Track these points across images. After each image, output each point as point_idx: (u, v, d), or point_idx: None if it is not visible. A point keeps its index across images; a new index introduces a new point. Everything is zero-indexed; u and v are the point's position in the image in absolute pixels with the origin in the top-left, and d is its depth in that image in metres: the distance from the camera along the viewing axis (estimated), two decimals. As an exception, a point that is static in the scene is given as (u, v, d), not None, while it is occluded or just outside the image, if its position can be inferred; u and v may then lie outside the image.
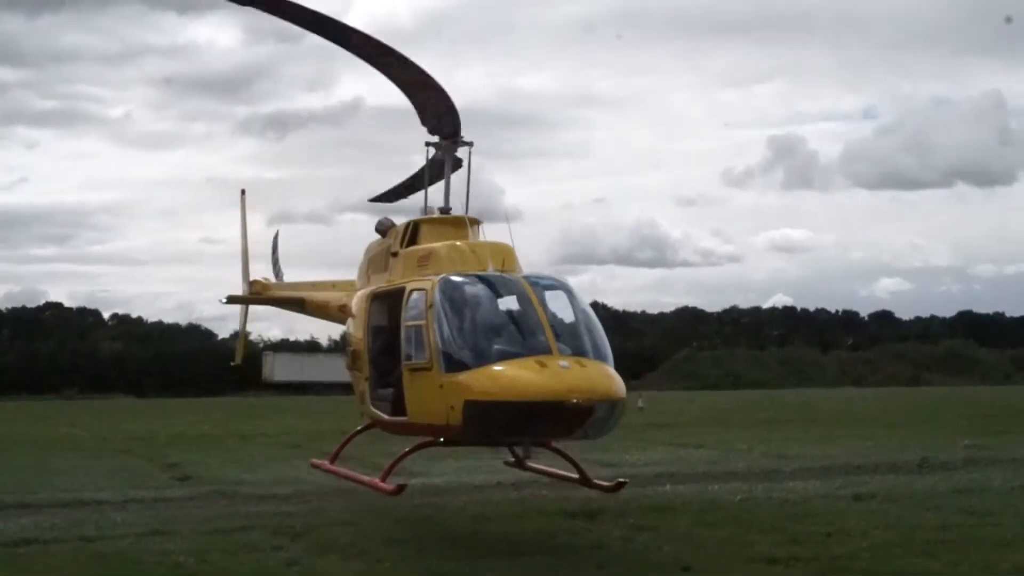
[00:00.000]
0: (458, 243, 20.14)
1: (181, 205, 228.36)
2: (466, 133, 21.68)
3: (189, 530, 20.73)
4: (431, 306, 17.93)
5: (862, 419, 55.86)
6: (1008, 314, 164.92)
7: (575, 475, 22.04)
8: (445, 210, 21.68)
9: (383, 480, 19.95)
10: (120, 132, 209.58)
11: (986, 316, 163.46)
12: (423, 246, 20.56)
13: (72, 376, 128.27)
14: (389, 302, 20.45)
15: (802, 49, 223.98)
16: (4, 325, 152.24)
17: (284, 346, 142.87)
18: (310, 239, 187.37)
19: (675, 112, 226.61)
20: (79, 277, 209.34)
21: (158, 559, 17.76)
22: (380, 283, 21.61)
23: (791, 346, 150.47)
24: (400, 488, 19.42)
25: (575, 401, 16.26)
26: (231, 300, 31.50)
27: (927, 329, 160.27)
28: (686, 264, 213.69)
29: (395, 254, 21.18)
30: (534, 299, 18.01)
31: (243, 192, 33.32)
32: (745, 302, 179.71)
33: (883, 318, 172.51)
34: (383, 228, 22.38)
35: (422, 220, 21.47)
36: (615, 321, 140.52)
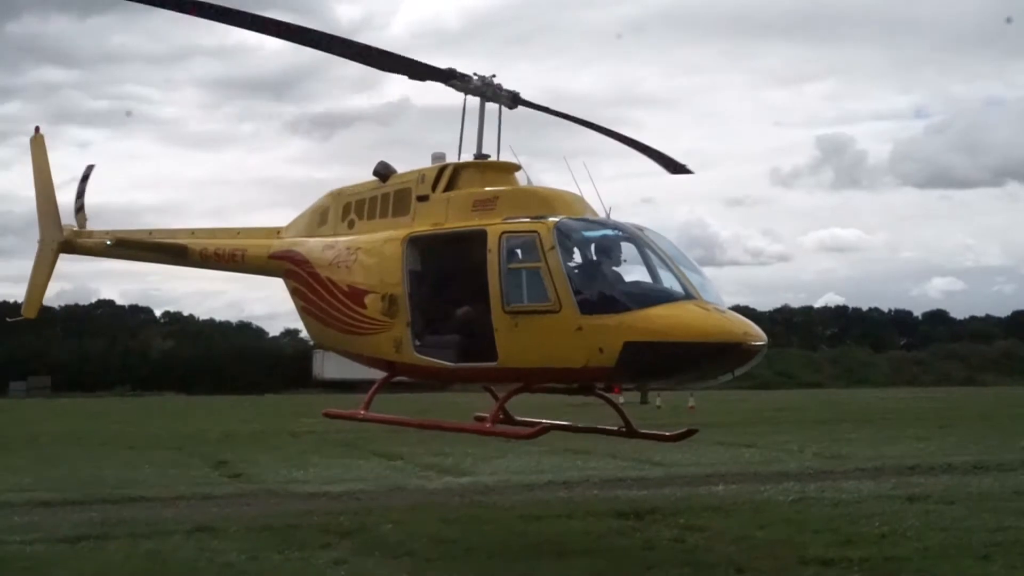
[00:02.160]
0: (533, 188, 19.91)
1: (230, 204, 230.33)
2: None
3: (239, 528, 20.79)
4: (551, 248, 17.50)
5: (916, 419, 55.47)
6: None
7: (615, 427, 21.08)
8: (480, 156, 20.85)
9: (492, 424, 19.06)
10: (170, 132, 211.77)
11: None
12: (483, 189, 19.88)
13: (123, 374, 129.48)
14: (441, 245, 19.95)
15: (854, 49, 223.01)
16: (57, 323, 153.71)
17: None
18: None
19: (723, 112, 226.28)
20: (130, 276, 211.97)
21: (209, 557, 17.81)
22: (381, 229, 20.87)
23: (843, 346, 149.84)
24: (542, 430, 18.63)
25: (753, 343, 16.51)
26: (63, 248, 27.86)
27: (981, 329, 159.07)
28: (736, 263, 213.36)
29: (424, 198, 20.45)
30: (654, 244, 17.97)
31: (37, 129, 28.98)
32: (796, 301, 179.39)
33: (937, 318, 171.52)
34: (385, 172, 21.33)
35: (463, 164, 20.64)
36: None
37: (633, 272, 17.94)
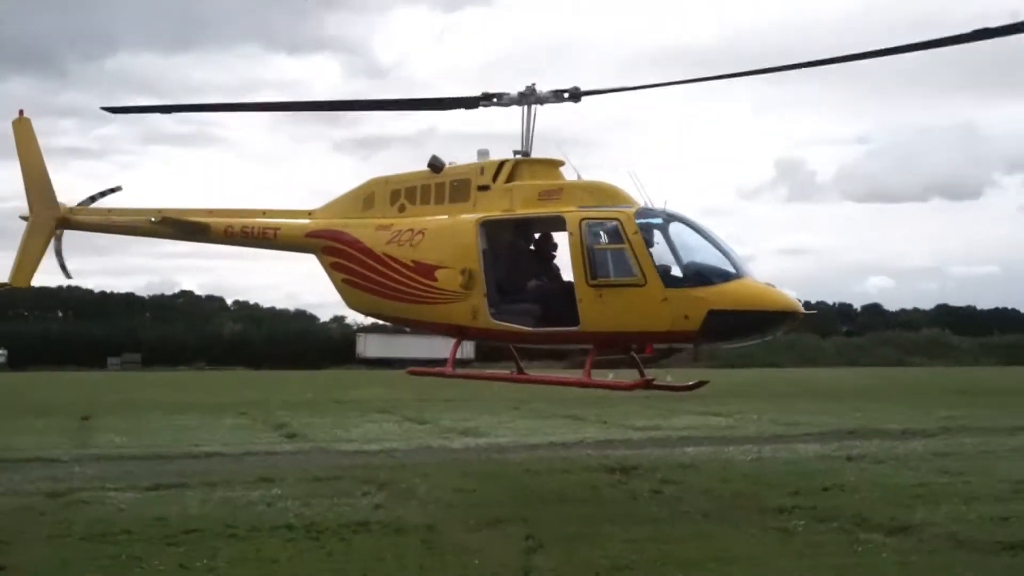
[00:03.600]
0: (591, 182, 19.46)
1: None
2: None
3: (294, 479, 20.84)
4: (635, 233, 17.83)
5: (855, 394, 55.42)
6: (979, 307, 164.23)
7: (630, 381, 20.00)
8: (522, 154, 20.24)
9: (588, 377, 18.89)
10: (241, 150, 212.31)
11: (960, 309, 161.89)
12: (548, 181, 19.65)
13: (200, 352, 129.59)
14: (514, 228, 19.89)
15: (809, 85, 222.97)
16: (145, 309, 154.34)
17: (374, 328, 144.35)
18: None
19: (700, 135, 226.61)
20: (207, 270, 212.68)
21: (269, 502, 17.90)
22: (437, 214, 20.30)
23: (796, 332, 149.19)
24: (639, 385, 19.19)
25: (801, 311, 18.02)
26: (60, 225, 24.76)
27: (910, 319, 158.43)
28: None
29: (485, 188, 19.93)
30: (709, 231, 18.40)
31: (21, 112, 25.21)
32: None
33: (873, 310, 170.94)
34: (438, 164, 20.54)
35: (520, 160, 20.10)
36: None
37: (699, 254, 18.13)
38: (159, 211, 23.94)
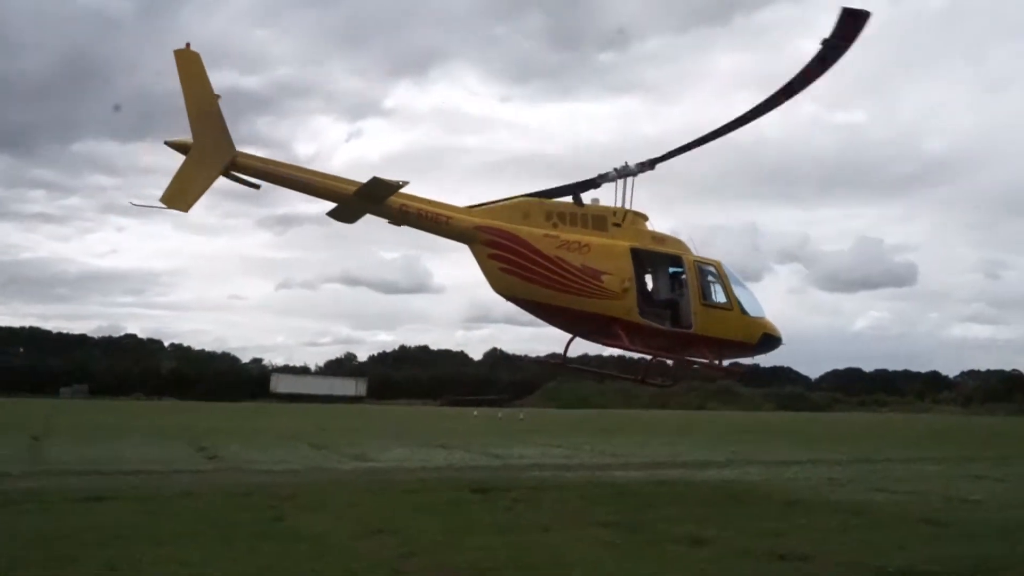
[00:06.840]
0: (674, 237, 22.96)
1: (218, 272, 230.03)
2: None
3: (212, 493, 20.07)
4: (725, 276, 22.19)
5: (666, 431, 56.18)
6: (761, 365, 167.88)
7: (632, 376, 25.93)
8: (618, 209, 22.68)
9: (717, 363, 23.45)
10: (181, 222, 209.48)
11: (746, 366, 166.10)
12: (656, 231, 22.55)
13: (141, 384, 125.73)
14: (650, 257, 22.38)
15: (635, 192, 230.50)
16: (96, 347, 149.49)
17: (285, 369, 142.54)
18: (304, 300, 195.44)
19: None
20: (149, 318, 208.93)
21: (191, 512, 17.14)
22: (583, 235, 21.70)
23: (620, 379, 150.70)
24: (733, 375, 26.33)
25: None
26: (230, 166, 20.00)
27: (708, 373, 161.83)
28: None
29: (618, 224, 21.94)
30: (743, 282, 23.30)
31: (187, 45, 19.12)
32: (593, 350, 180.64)
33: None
34: (579, 200, 22.39)
35: (635, 211, 22.45)
36: (508, 361, 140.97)
37: (749, 296, 22.90)
38: (346, 179, 20.60)
